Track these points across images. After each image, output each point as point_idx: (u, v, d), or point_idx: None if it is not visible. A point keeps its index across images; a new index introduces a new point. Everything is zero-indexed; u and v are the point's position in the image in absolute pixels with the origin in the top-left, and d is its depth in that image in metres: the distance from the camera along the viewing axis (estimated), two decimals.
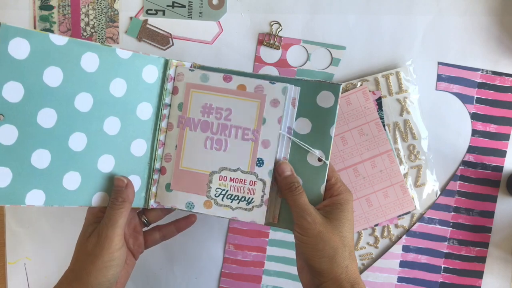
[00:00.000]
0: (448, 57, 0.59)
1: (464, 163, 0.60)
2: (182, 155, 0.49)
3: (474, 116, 0.60)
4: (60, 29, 0.59)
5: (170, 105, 0.50)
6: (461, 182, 0.60)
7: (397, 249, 0.61)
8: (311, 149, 0.48)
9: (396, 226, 0.61)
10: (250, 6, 0.59)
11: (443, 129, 0.60)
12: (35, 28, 0.59)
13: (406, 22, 0.59)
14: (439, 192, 0.60)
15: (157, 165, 0.50)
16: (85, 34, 0.59)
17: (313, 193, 0.48)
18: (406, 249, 0.61)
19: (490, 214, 0.60)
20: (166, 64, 0.49)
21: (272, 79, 0.48)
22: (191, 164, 0.49)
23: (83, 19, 0.59)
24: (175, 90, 0.50)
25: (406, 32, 0.59)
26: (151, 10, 0.59)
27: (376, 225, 0.60)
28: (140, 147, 0.49)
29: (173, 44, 0.60)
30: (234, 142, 0.48)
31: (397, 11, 0.59)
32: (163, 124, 0.50)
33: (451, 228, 0.61)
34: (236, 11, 0.59)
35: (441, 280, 0.61)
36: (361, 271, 0.61)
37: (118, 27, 0.60)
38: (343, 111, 0.59)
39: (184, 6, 0.59)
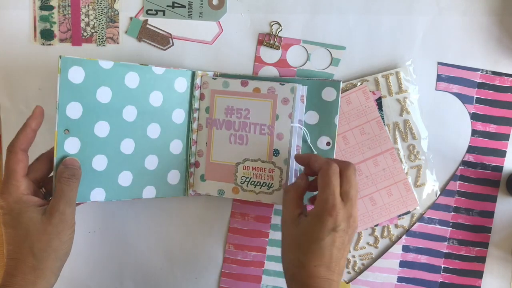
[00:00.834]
0: (448, 57, 0.59)
1: (464, 163, 0.60)
2: (212, 150, 0.58)
3: (474, 116, 0.60)
4: (60, 29, 0.59)
5: (198, 109, 0.59)
6: (461, 182, 0.60)
7: (397, 249, 0.61)
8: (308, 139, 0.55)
9: (396, 226, 0.61)
10: (250, 6, 0.59)
11: (443, 129, 0.60)
12: (35, 28, 0.59)
13: (406, 22, 0.59)
14: (439, 192, 0.60)
15: (192, 160, 0.59)
16: (85, 34, 0.59)
17: None
18: (406, 249, 0.61)
19: (490, 214, 0.60)
20: (193, 75, 0.58)
21: (281, 81, 0.57)
22: (220, 157, 0.58)
23: (83, 19, 0.59)
24: (202, 96, 0.58)
25: (406, 32, 0.59)
26: (151, 10, 0.59)
27: (376, 225, 0.60)
28: (177, 146, 0.58)
29: (173, 44, 0.60)
30: (253, 137, 0.57)
31: (397, 11, 0.59)
32: (194, 126, 0.59)
33: (451, 228, 0.61)
34: (236, 11, 0.59)
35: (441, 280, 0.61)
36: (361, 271, 0.61)
37: (118, 27, 0.60)
38: (344, 110, 0.59)
39: (184, 6, 0.59)
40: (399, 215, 0.60)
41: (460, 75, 0.59)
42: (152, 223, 0.62)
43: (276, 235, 0.61)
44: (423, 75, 0.59)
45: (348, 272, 0.61)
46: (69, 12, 0.59)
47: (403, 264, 0.61)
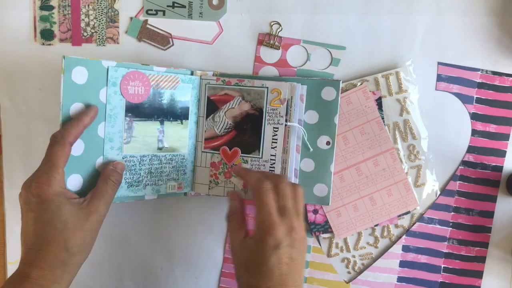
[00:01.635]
0: (448, 57, 0.59)
1: (464, 163, 0.60)
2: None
3: (474, 116, 0.60)
4: (60, 29, 0.59)
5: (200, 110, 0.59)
6: (461, 182, 0.60)
7: (397, 249, 0.61)
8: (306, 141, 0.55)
9: (396, 226, 0.61)
10: (250, 6, 0.59)
11: (443, 129, 0.60)
12: (35, 28, 0.59)
13: (406, 22, 0.59)
14: (439, 192, 0.60)
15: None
16: (85, 34, 0.59)
17: (324, 171, 0.57)
18: (406, 249, 0.61)
19: (490, 214, 0.60)
20: (192, 75, 0.58)
21: (281, 80, 0.57)
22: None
23: (83, 19, 0.59)
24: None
25: (406, 32, 0.59)
26: (151, 10, 0.59)
27: (376, 225, 0.60)
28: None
29: (173, 44, 0.60)
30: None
31: (397, 11, 0.59)
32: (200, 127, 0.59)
33: (451, 228, 0.61)
34: (236, 11, 0.59)
35: (441, 280, 0.61)
36: (361, 271, 0.61)
37: (118, 27, 0.60)
38: (344, 110, 0.59)
39: (184, 6, 0.59)
40: (399, 215, 0.60)
41: (460, 75, 0.59)
42: (152, 223, 0.62)
43: None
44: (423, 75, 0.59)
45: (348, 272, 0.61)
46: (69, 12, 0.59)
47: (403, 264, 0.61)
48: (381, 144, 0.59)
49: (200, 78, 0.58)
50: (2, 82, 0.60)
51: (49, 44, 0.60)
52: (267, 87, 0.56)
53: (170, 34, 0.60)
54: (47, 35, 0.59)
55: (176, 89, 0.56)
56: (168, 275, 0.63)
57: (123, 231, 0.62)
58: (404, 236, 0.61)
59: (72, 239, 0.45)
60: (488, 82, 0.59)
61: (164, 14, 0.59)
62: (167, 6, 0.59)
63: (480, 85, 0.59)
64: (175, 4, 0.59)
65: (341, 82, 0.57)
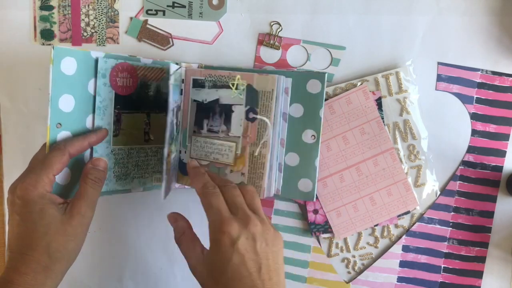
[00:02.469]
0: (448, 57, 0.59)
1: (464, 163, 0.60)
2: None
3: (474, 116, 0.60)
4: (60, 29, 0.59)
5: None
6: (461, 182, 0.60)
7: (397, 249, 0.61)
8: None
9: (396, 226, 0.61)
10: (250, 6, 0.59)
11: (443, 129, 0.60)
12: (35, 28, 0.59)
13: (406, 22, 0.59)
14: (439, 192, 0.60)
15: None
16: (85, 34, 0.59)
17: (309, 165, 0.56)
18: (406, 249, 0.61)
19: (490, 214, 0.60)
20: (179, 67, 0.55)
21: (265, 72, 0.55)
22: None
23: (83, 19, 0.59)
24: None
25: (406, 32, 0.59)
26: (151, 10, 0.59)
27: (376, 225, 0.60)
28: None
29: (173, 44, 0.60)
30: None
31: (397, 11, 0.59)
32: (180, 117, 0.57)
33: (451, 228, 0.61)
34: (236, 11, 0.59)
35: (441, 280, 0.61)
36: (361, 271, 0.61)
37: (118, 27, 0.60)
38: (344, 110, 0.59)
39: (184, 6, 0.59)
40: (399, 215, 0.60)
41: (460, 75, 0.59)
42: (152, 223, 0.62)
43: None
44: (423, 75, 0.59)
45: (348, 272, 0.61)
46: (69, 12, 0.59)
47: (403, 264, 0.61)
48: (381, 144, 0.59)
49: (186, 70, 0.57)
50: (2, 82, 0.60)
51: (49, 44, 0.60)
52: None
53: (170, 34, 0.60)
54: (47, 35, 0.59)
55: (161, 81, 0.56)
56: (168, 275, 0.63)
57: (123, 231, 0.62)
58: (404, 236, 0.61)
59: (54, 244, 0.44)
60: (488, 82, 0.59)
61: (164, 14, 0.59)
62: (167, 6, 0.59)
63: (480, 85, 0.59)
64: (175, 4, 0.59)
65: (326, 74, 0.55)
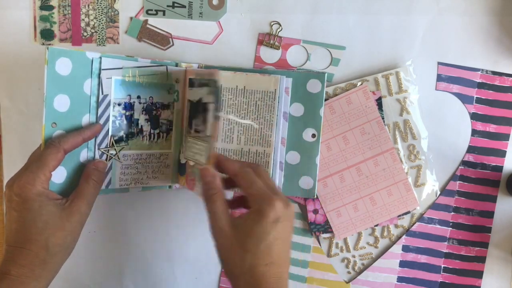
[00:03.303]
0: (448, 57, 0.59)
1: (464, 163, 0.60)
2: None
3: (474, 116, 0.60)
4: (60, 29, 0.59)
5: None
6: (461, 182, 0.60)
7: (397, 249, 0.61)
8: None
9: (396, 226, 0.61)
10: (250, 6, 0.59)
11: (443, 129, 0.60)
12: (35, 28, 0.59)
13: (406, 22, 0.59)
14: (439, 192, 0.60)
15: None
16: (85, 34, 0.59)
17: (310, 163, 0.58)
18: (406, 249, 0.61)
19: (490, 214, 0.60)
20: (177, 66, 0.57)
21: (266, 73, 0.56)
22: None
23: (83, 19, 0.59)
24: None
25: (406, 32, 0.59)
26: (151, 10, 0.59)
27: (377, 225, 0.60)
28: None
29: (173, 44, 0.60)
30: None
31: (397, 11, 0.59)
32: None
33: (451, 228, 0.61)
34: (236, 11, 0.59)
35: (440, 280, 0.61)
36: (361, 271, 0.61)
37: (118, 27, 0.60)
38: (344, 110, 0.59)
39: (184, 6, 0.59)
40: (399, 215, 0.60)
41: (460, 75, 0.59)
42: (152, 223, 0.62)
43: None
44: (423, 75, 0.59)
45: (348, 272, 0.61)
46: (69, 12, 0.59)
47: (403, 264, 0.61)
48: (381, 144, 0.59)
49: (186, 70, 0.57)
50: (2, 82, 0.60)
51: (49, 44, 0.60)
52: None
53: (170, 34, 0.60)
54: (47, 35, 0.59)
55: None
56: (168, 275, 0.63)
57: (123, 231, 0.62)
58: (404, 236, 0.61)
59: (52, 238, 0.45)
60: (488, 82, 0.59)
61: (164, 14, 0.59)
62: (167, 6, 0.59)
63: (480, 85, 0.59)
64: (175, 4, 0.59)
65: (326, 74, 0.56)
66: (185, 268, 0.63)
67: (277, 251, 0.44)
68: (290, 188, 0.58)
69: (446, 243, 0.61)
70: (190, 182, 0.55)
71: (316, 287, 0.62)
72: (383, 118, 0.59)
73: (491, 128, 0.60)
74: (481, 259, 0.61)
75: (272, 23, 0.59)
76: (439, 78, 0.59)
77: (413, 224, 0.60)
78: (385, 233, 0.61)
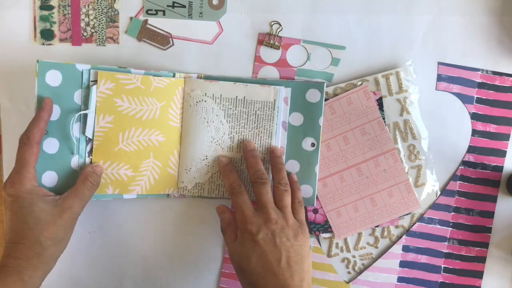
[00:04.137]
0: (448, 57, 0.59)
1: (464, 163, 0.60)
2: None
3: (474, 116, 0.60)
4: (60, 29, 0.59)
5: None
6: (461, 182, 0.60)
7: (397, 249, 0.61)
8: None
9: (396, 226, 0.61)
10: (250, 6, 0.59)
11: (443, 129, 0.60)
12: (35, 28, 0.59)
13: (406, 22, 0.59)
14: (439, 192, 0.60)
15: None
16: (85, 34, 0.59)
17: (309, 172, 0.58)
18: (406, 249, 0.61)
19: (490, 214, 0.60)
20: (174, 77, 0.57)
21: (265, 83, 0.57)
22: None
23: (83, 19, 0.59)
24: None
25: (406, 32, 0.59)
26: (151, 10, 0.59)
27: (377, 226, 0.60)
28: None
29: (173, 44, 0.60)
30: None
31: (397, 11, 0.59)
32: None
33: (451, 228, 0.61)
34: (236, 11, 0.59)
35: (441, 280, 0.61)
36: (361, 271, 0.61)
37: (118, 27, 0.60)
38: (344, 110, 0.59)
39: (184, 6, 0.59)
40: (401, 216, 0.60)
41: (460, 75, 0.59)
42: (152, 223, 0.62)
43: None
44: (423, 75, 0.59)
45: (348, 272, 0.61)
46: (69, 12, 0.59)
47: (403, 264, 0.61)
48: (382, 144, 0.59)
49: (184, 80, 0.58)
50: (2, 82, 0.60)
51: (49, 44, 0.60)
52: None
53: (170, 34, 0.60)
54: (47, 35, 0.59)
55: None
56: (168, 275, 0.63)
57: (123, 231, 0.62)
58: (404, 236, 0.61)
59: (45, 233, 0.49)
60: (488, 82, 0.59)
61: (164, 14, 0.59)
62: (167, 6, 0.59)
63: (481, 85, 0.59)
64: (175, 4, 0.59)
65: (325, 84, 0.57)
66: (185, 268, 0.63)
67: (268, 264, 0.50)
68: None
69: (446, 243, 0.61)
70: None
71: (316, 287, 0.62)
72: (384, 119, 0.59)
73: (492, 128, 0.60)
74: (482, 259, 0.61)
75: (272, 23, 0.59)
76: (439, 78, 0.59)
77: (413, 224, 0.60)
78: (385, 233, 0.61)
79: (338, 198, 0.60)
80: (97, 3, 0.59)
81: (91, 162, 0.55)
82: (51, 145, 0.53)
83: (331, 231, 0.60)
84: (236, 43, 0.60)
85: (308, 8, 0.59)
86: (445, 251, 0.61)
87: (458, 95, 0.59)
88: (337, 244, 0.61)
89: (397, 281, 0.61)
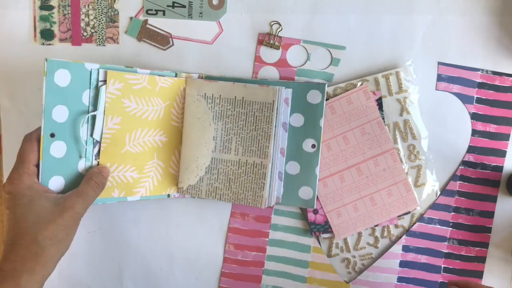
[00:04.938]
0: (448, 57, 0.59)
1: (464, 163, 0.60)
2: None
3: (474, 116, 0.60)
4: (60, 29, 0.59)
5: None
6: (461, 182, 0.60)
7: (397, 249, 0.61)
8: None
9: (396, 226, 0.61)
10: (250, 6, 0.59)
11: (443, 129, 0.60)
12: (35, 28, 0.59)
13: (406, 22, 0.59)
14: (439, 192, 0.60)
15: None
16: (85, 34, 0.59)
17: (310, 174, 0.58)
18: (406, 249, 0.61)
19: (490, 214, 0.60)
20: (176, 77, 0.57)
21: (265, 84, 0.57)
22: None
23: (83, 19, 0.59)
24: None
25: (406, 32, 0.59)
26: (151, 10, 0.59)
27: (377, 225, 0.60)
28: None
29: (173, 44, 0.60)
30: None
31: (397, 11, 0.59)
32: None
33: (451, 228, 0.61)
34: (236, 11, 0.59)
35: (441, 280, 0.61)
36: (361, 271, 0.61)
37: (118, 27, 0.60)
38: (344, 110, 0.59)
39: (184, 6, 0.59)
40: (399, 215, 0.60)
41: (460, 75, 0.59)
42: (152, 223, 0.62)
43: (276, 235, 0.61)
44: (423, 75, 0.59)
45: (348, 272, 0.61)
46: (69, 12, 0.59)
47: (403, 264, 0.61)
48: (381, 144, 0.59)
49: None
50: (2, 82, 0.60)
51: (49, 44, 0.60)
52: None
53: (170, 34, 0.60)
54: (47, 35, 0.59)
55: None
56: (168, 275, 0.63)
57: (123, 231, 0.62)
58: (404, 236, 0.61)
59: (43, 232, 0.46)
60: (488, 82, 0.59)
61: (164, 14, 0.59)
62: (167, 6, 0.59)
63: (481, 85, 0.59)
64: (175, 4, 0.59)
65: (326, 85, 0.57)
66: (185, 268, 0.63)
67: None
68: (289, 198, 0.58)
69: (446, 243, 0.61)
70: None
71: (316, 287, 0.62)
72: (383, 119, 0.59)
73: (491, 128, 0.60)
74: (481, 259, 0.61)
75: (272, 23, 0.59)
76: (439, 78, 0.59)
77: (413, 224, 0.60)
78: (385, 233, 0.61)
79: (338, 198, 0.60)
80: (97, 3, 0.59)
81: (98, 165, 0.53)
82: (58, 149, 0.50)
83: (331, 231, 0.60)
84: (236, 43, 0.60)
85: (308, 8, 0.59)
86: (445, 251, 0.61)
87: (458, 95, 0.59)
88: (337, 244, 0.61)
89: (397, 281, 0.61)
